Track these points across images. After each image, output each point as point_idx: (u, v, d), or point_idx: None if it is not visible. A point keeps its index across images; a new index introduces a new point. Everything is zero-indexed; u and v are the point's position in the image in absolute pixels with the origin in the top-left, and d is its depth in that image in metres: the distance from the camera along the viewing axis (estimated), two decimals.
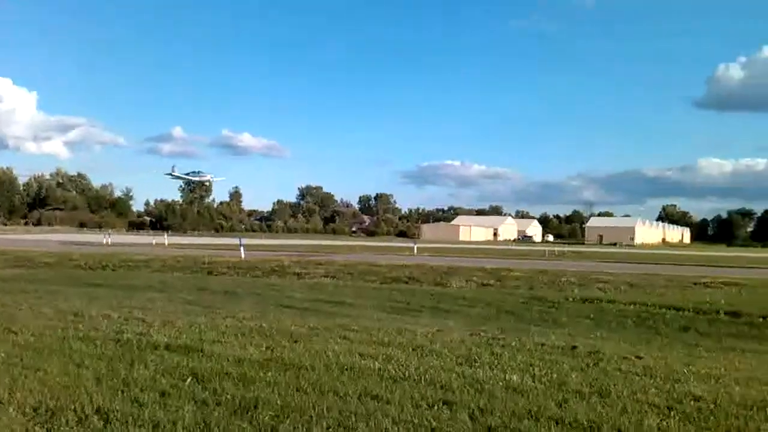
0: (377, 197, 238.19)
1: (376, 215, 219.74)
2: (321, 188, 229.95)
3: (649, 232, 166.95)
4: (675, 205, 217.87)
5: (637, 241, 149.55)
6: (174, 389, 7.61)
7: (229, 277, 29.68)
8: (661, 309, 20.17)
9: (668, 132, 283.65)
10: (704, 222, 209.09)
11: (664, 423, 6.78)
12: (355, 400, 7.30)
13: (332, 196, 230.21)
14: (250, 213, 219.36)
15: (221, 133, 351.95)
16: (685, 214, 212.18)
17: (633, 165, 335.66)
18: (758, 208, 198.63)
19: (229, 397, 7.29)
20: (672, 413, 7.17)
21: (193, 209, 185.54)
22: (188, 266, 33.96)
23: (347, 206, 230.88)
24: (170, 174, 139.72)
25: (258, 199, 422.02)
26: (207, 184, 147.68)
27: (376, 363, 9.16)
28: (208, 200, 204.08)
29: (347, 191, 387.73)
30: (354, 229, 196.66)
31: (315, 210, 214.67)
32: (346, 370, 8.76)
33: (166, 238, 75.22)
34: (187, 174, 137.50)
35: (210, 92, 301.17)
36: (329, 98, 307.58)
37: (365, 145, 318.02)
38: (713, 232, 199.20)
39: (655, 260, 55.11)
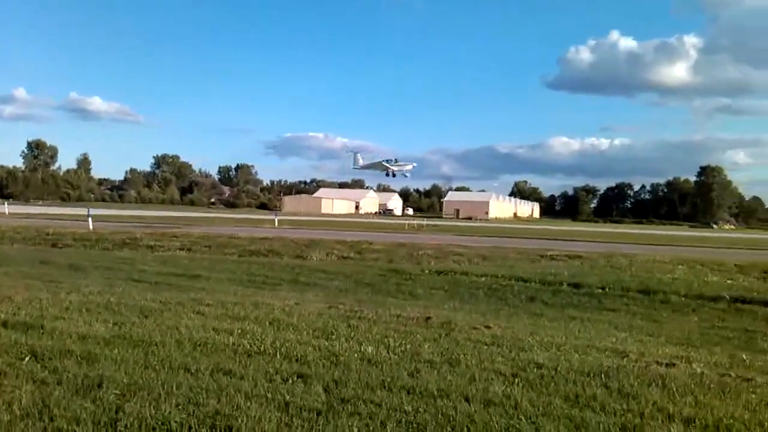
0: (238, 168, 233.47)
1: (236, 186, 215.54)
2: (178, 157, 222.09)
3: (502, 207, 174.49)
4: (526, 181, 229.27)
5: (491, 215, 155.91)
6: (11, 368, 7.12)
7: (75, 249, 28.13)
8: (511, 280, 21.17)
9: (522, 110, 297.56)
10: (552, 198, 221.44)
11: (509, 390, 7.10)
12: (207, 376, 7.12)
13: (190, 165, 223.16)
14: (101, 182, 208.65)
15: (69, 96, 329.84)
16: (535, 189, 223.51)
17: (488, 141, 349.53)
18: (601, 185, 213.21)
19: (71, 375, 6.90)
20: (516, 380, 7.53)
21: (36, 176, 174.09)
22: (30, 237, 31.88)
23: (206, 176, 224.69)
24: (355, 167, 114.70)
25: (109, 168, 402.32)
26: (407, 175, 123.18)
27: (231, 338, 8.98)
28: (53, 167, 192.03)
29: (207, 161, 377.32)
30: (213, 200, 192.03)
31: (171, 180, 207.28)
32: (199, 345, 8.53)
33: (6, 207, 69.97)
34: (387, 162, 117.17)
35: (56, 52, 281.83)
36: (186, 63, 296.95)
37: (226, 114, 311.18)
38: (560, 207, 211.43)
39: (507, 234, 57.70)
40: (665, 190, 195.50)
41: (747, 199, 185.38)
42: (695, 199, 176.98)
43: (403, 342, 9.32)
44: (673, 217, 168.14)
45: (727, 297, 18.78)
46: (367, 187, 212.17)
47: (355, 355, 8.37)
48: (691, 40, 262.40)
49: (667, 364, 8.93)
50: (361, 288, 19.51)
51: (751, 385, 7.97)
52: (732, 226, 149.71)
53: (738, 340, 13.21)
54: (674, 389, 7.50)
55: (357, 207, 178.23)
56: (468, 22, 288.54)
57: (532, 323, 13.49)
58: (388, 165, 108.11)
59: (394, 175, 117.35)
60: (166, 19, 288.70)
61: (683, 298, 18.69)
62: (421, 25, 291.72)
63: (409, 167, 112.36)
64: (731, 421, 6.44)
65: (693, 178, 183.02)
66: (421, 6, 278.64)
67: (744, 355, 10.58)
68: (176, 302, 12.35)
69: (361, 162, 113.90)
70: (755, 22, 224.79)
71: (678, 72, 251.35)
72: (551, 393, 7.11)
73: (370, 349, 8.75)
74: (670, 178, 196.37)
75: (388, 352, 8.62)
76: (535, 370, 8.08)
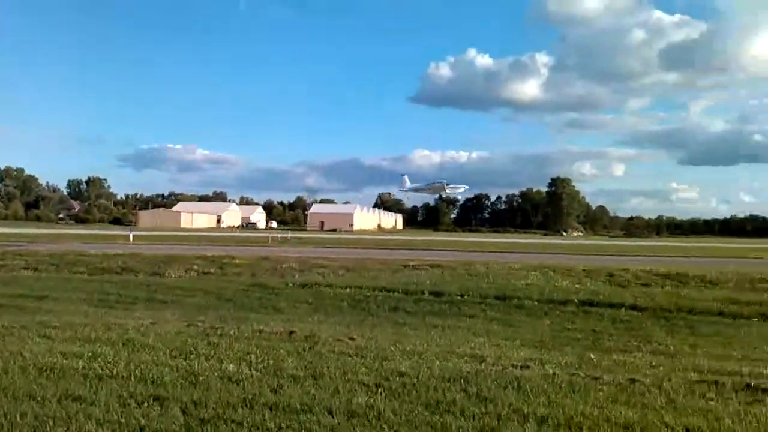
0: (89, 181, 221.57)
1: (87, 201, 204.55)
2: (23, 170, 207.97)
3: (366, 219, 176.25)
4: (390, 193, 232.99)
5: (356, 227, 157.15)
6: None
7: None
8: (374, 291, 21.40)
9: (386, 124, 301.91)
10: (415, 209, 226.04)
11: (372, 400, 7.12)
12: (54, 403, 6.65)
13: (36, 179, 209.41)
14: None
15: None
16: (398, 201, 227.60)
17: (353, 154, 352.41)
18: (461, 197, 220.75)
19: None
20: (380, 390, 7.57)
21: None
22: None
23: (54, 191, 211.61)
24: (402, 189, 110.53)
25: None
26: (459, 198, 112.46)
27: (80, 362, 8.45)
28: None
29: (55, 175, 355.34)
30: (61, 215, 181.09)
31: (15, 195, 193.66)
32: (45, 371, 7.97)
33: None
34: (430, 185, 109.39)
35: None
36: (28, 73, 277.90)
37: (75, 126, 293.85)
38: (422, 218, 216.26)
39: (371, 245, 58.34)
40: (520, 200, 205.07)
41: (593, 208, 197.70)
42: (547, 208, 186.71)
43: (266, 358, 9.15)
44: (527, 226, 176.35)
45: (576, 300, 19.92)
46: (230, 200, 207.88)
47: (216, 373, 8.11)
48: (543, 59, 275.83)
49: (522, 367, 9.30)
50: (223, 304, 19.03)
51: (599, 383, 8.44)
52: (580, 234, 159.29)
53: (586, 341, 14.00)
54: (529, 390, 7.80)
55: (219, 221, 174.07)
56: (333, 35, 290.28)
57: (395, 332, 13.66)
58: (441, 187, 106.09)
59: (441, 198, 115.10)
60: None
61: (536, 303, 19.62)
62: (285, 36, 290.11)
63: (461, 189, 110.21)
64: (581, 418, 6.77)
65: (545, 189, 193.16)
66: (286, 17, 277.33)
67: (592, 355, 11.23)
68: (20, 326, 11.51)
69: (408, 184, 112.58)
70: (599, 41, 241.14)
71: (530, 89, 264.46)
72: (413, 401, 7.19)
73: (231, 366, 8.52)
74: (524, 189, 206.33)
75: (250, 369, 8.42)
76: (397, 379, 8.16)
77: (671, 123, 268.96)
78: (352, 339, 11.33)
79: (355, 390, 7.57)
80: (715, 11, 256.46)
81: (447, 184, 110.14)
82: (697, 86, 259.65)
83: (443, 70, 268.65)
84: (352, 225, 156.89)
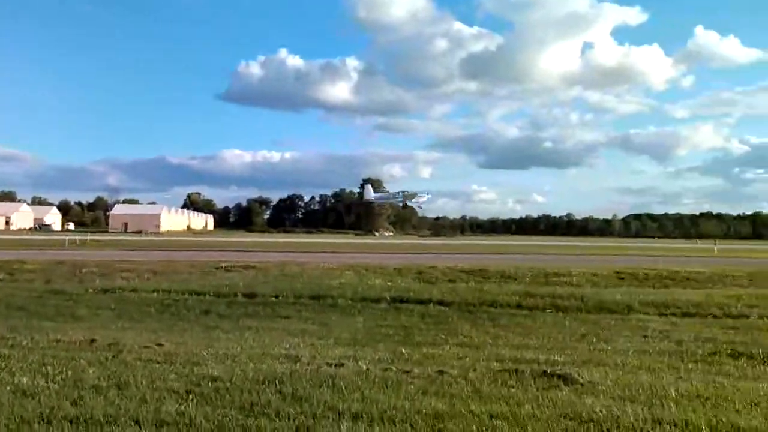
0: None
1: None
2: None
3: (175, 220, 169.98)
4: (199, 193, 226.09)
5: (163, 228, 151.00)
6: None
7: None
8: (184, 294, 20.65)
9: (194, 121, 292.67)
10: (226, 209, 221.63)
11: (182, 407, 6.82)
12: None
13: None
14: None
15: None
16: (209, 201, 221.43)
17: (159, 152, 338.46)
18: (274, 197, 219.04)
19: None
20: (191, 396, 7.28)
21: None
22: None
23: None
24: (367, 198, 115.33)
25: None
26: (422, 207, 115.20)
27: None
28: None
29: None
30: None
31: None
32: None
33: None
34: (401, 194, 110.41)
35: None
36: None
37: None
38: (235, 219, 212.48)
39: (180, 247, 56.30)
40: (333, 200, 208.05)
41: (402, 208, 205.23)
42: (359, 209, 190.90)
43: (65, 369, 8.48)
44: (340, 226, 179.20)
45: (388, 298, 20.48)
46: (20, 200, 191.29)
47: (7, 387, 7.41)
48: (353, 62, 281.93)
49: (336, 365, 9.37)
50: (13, 312, 17.41)
51: (410, 377, 8.69)
52: (390, 233, 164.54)
53: (398, 336, 14.39)
54: (343, 387, 7.86)
55: (8, 222, 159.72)
56: (138, 29, 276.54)
57: (207, 336, 13.25)
58: (403, 198, 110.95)
59: (406, 207, 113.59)
60: None
61: (350, 301, 19.91)
62: (85, 29, 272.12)
63: (424, 198, 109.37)
64: (394, 411, 6.92)
65: (357, 190, 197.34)
66: (87, 10, 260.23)
67: (403, 350, 11.56)
68: None
69: (372, 195, 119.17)
70: (405, 48, 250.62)
71: (341, 91, 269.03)
72: (226, 405, 6.99)
73: (24, 379, 7.83)
74: (337, 189, 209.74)
75: (46, 381, 7.77)
76: (209, 383, 7.90)
77: (472, 129, 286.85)
78: (160, 345, 10.82)
79: (164, 398, 7.21)
80: (510, 25, 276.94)
81: (407, 193, 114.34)
82: (495, 95, 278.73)
83: (254, 69, 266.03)
84: (159, 226, 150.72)
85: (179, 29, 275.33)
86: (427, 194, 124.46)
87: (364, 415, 6.76)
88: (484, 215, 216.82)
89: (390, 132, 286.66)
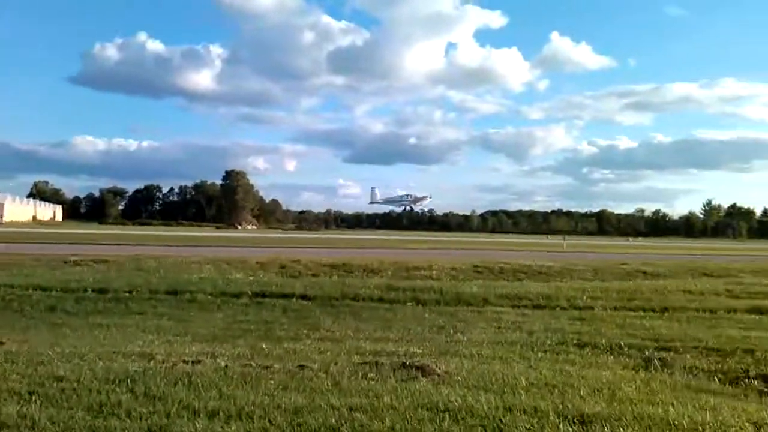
0: None
1: None
2: None
3: (19, 210, 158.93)
4: (47, 182, 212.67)
5: (6, 219, 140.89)
6: None
7: None
8: (28, 290, 19.34)
9: (42, 106, 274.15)
10: (77, 200, 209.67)
11: (24, 409, 6.40)
12: None
13: None
14: None
15: None
16: (57, 191, 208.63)
17: (2, 137, 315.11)
18: (129, 187, 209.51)
19: None
20: (33, 398, 6.85)
21: None
22: None
23: None
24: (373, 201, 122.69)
25: None
26: (424, 209, 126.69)
27: None
28: None
29: None
30: None
31: None
32: None
33: None
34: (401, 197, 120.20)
35: None
36: None
37: None
38: (86, 210, 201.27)
39: (25, 239, 52.70)
40: (193, 192, 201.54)
41: (267, 201, 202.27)
42: (221, 201, 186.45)
43: None
44: (201, 219, 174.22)
45: (250, 292, 20.14)
46: None
47: None
48: (217, 50, 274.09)
49: (193, 362, 9.11)
50: None
51: (270, 372, 8.58)
52: (254, 227, 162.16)
53: (259, 331, 14.19)
54: (200, 385, 7.65)
55: None
56: None
57: (53, 334, 12.52)
58: (409, 202, 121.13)
59: (412, 209, 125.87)
60: None
61: (210, 296, 19.41)
62: None
63: (426, 201, 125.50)
64: (252, 407, 6.80)
65: (219, 182, 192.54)
66: None
67: (264, 345, 11.41)
68: None
69: (378, 197, 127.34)
70: (272, 38, 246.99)
71: (204, 79, 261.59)
72: (73, 406, 6.61)
73: None
74: (198, 181, 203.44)
75: None
76: (55, 384, 7.44)
77: (339, 123, 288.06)
78: (1, 344, 10.07)
79: (5, 400, 6.74)
80: (377, 21, 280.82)
81: (419, 198, 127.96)
82: (362, 90, 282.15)
83: (110, 52, 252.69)
84: (1, 216, 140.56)
85: (27, 8, 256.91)
86: (429, 197, 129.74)
87: (221, 413, 6.61)
88: (349, 209, 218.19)
89: (255, 123, 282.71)
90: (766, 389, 9.20)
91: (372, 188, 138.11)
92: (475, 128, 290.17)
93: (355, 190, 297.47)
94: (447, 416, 6.86)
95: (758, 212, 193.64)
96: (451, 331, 14.15)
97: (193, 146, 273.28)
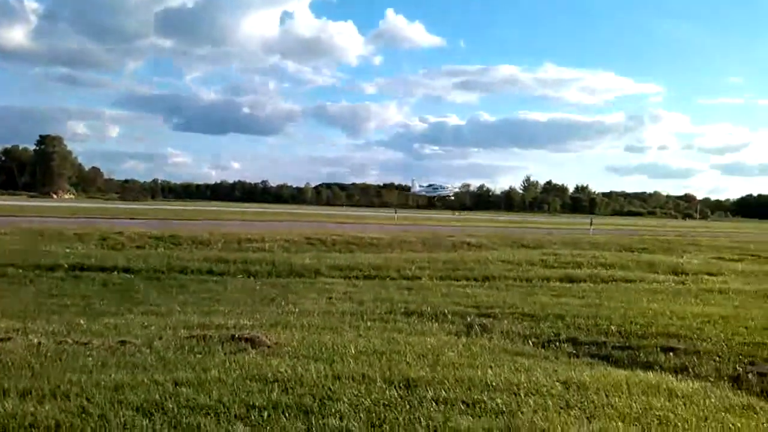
0: None
1: None
2: None
3: None
4: None
5: None
6: None
7: None
8: None
9: None
10: None
11: None
12: None
13: None
14: None
15: None
16: None
17: None
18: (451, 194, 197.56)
19: None
20: None
21: None
22: None
23: None
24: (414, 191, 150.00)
25: None
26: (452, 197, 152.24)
27: None
28: None
29: None
30: None
31: None
32: None
33: None
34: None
35: None
36: None
37: None
38: None
39: None
40: (3, 158, 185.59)
41: (87, 169, 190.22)
42: (35, 168, 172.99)
43: None
44: (12, 187, 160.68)
45: (66, 265, 18.88)
46: None
47: None
48: (32, 5, 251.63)
49: (2, 339, 8.45)
50: None
51: (88, 349, 8.14)
52: (72, 195, 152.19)
53: (76, 307, 13.34)
54: (10, 363, 7.14)
55: None
56: None
57: None
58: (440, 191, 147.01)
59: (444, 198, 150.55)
60: None
61: (20, 270, 17.98)
62: None
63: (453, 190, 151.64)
64: (68, 386, 6.44)
65: (33, 147, 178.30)
66: None
67: (82, 320, 10.77)
68: None
69: (418, 187, 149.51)
70: None
71: (17, 35, 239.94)
72: None
73: None
74: (9, 146, 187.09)
75: None
76: None
77: (168, 88, 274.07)
78: None
79: None
80: None
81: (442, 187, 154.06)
82: (193, 55, 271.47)
83: None
84: None
85: None
86: (453, 186, 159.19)
87: (33, 392, 6.22)
88: (177, 180, 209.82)
89: (75, 85, 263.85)
90: (574, 351, 9.98)
91: (412, 180, 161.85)
92: (311, 100, 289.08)
93: (185, 160, 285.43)
94: (276, 386, 6.85)
95: (571, 189, 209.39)
96: (283, 303, 14.09)
97: (3, 108, 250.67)
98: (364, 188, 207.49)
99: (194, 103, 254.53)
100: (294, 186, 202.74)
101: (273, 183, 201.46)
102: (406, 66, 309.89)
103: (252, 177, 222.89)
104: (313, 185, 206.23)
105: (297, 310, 13.07)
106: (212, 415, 5.99)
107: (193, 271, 19.31)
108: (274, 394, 6.59)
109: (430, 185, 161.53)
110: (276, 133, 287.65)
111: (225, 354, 8.29)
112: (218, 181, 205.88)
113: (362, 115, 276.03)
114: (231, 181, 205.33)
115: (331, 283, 17.95)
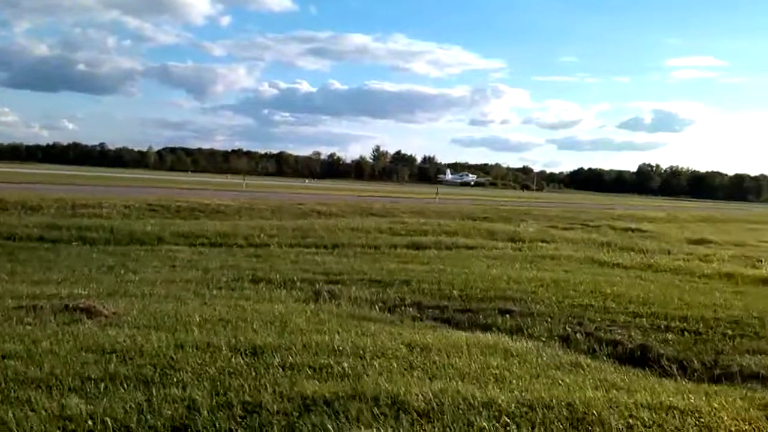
0: None
1: None
2: None
3: None
4: None
5: None
6: None
7: None
8: None
9: None
10: None
11: None
12: None
13: None
14: None
15: None
16: None
17: None
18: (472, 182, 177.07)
19: None
20: None
21: None
22: None
23: None
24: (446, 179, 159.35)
25: None
26: (472, 183, 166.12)
27: None
28: None
29: None
30: None
31: None
32: None
33: None
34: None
35: None
36: None
37: None
38: None
39: None
40: None
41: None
42: None
43: None
44: None
45: None
46: None
47: None
48: None
49: None
50: None
51: None
52: None
53: None
54: None
55: None
56: None
57: None
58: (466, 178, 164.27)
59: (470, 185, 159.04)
60: None
61: None
62: None
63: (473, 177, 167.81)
64: None
65: None
66: None
67: None
68: None
69: (449, 176, 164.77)
70: None
71: None
72: None
73: None
74: None
75: None
76: None
77: None
78: None
79: None
80: None
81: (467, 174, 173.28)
82: (20, 5, 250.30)
83: None
84: None
85: None
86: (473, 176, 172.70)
87: None
88: (4, 140, 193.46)
89: None
90: (418, 315, 10.28)
91: (445, 170, 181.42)
92: (153, 59, 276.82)
93: (12, 119, 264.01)
94: (114, 357, 6.56)
95: (419, 159, 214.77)
96: (122, 272, 13.41)
97: None
98: (211, 154, 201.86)
99: (22, 57, 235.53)
100: (135, 150, 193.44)
101: (111, 146, 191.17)
102: (256, 29, 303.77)
103: (88, 139, 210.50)
104: (155, 149, 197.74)
105: (137, 278, 12.51)
106: (44, 388, 5.62)
107: (21, 238, 18.00)
108: (112, 365, 6.29)
109: (458, 174, 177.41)
110: (115, 93, 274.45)
111: (58, 325, 7.81)
112: (51, 143, 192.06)
113: (209, 78, 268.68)
114: (65, 143, 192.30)
115: (175, 251, 17.32)
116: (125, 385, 5.80)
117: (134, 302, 9.68)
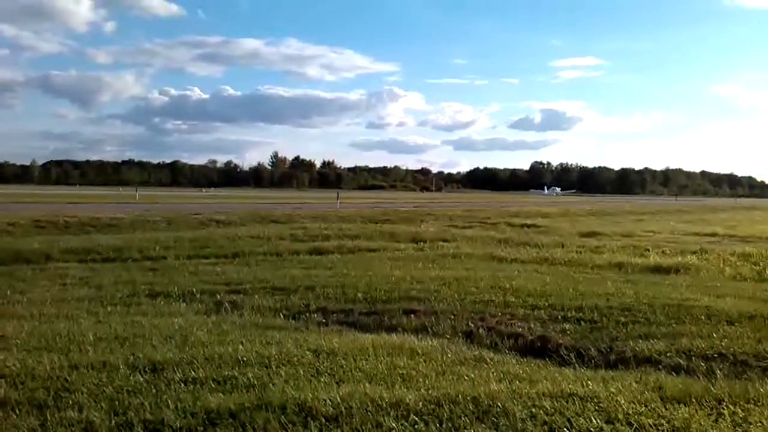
0: None
1: None
2: None
3: None
4: None
5: None
6: None
7: None
8: None
9: None
10: None
11: None
12: None
13: None
14: None
15: None
16: None
17: None
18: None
19: None
20: None
21: None
22: None
23: None
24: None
25: None
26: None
27: None
28: None
29: None
30: None
31: None
32: None
33: None
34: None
35: None
36: None
37: None
38: None
39: None
40: None
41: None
42: None
43: None
44: None
45: None
46: None
47: None
48: None
49: None
50: None
51: None
52: None
53: None
54: None
55: None
56: None
57: None
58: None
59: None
60: None
61: None
62: None
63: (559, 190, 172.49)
64: None
65: None
66: None
67: None
68: None
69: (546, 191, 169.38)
70: None
71: None
72: None
73: None
74: None
75: None
76: None
77: None
78: None
79: None
80: None
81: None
82: None
83: None
84: None
85: None
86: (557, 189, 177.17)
87: None
88: None
89: None
90: (324, 320, 10.20)
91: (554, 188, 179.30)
92: (34, 69, 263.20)
93: None
94: (3, 382, 6.20)
95: (318, 164, 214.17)
96: (8, 292, 12.65)
97: None
98: (101, 165, 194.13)
99: None
100: (17, 164, 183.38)
101: None
102: (143, 34, 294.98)
103: None
104: (40, 163, 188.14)
105: (25, 299, 11.83)
106: None
107: None
108: (2, 390, 5.96)
109: (552, 189, 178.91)
110: None
111: None
112: None
113: (94, 86, 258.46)
114: None
115: (66, 268, 16.49)
116: (17, 411, 5.51)
117: (23, 324, 9.16)
